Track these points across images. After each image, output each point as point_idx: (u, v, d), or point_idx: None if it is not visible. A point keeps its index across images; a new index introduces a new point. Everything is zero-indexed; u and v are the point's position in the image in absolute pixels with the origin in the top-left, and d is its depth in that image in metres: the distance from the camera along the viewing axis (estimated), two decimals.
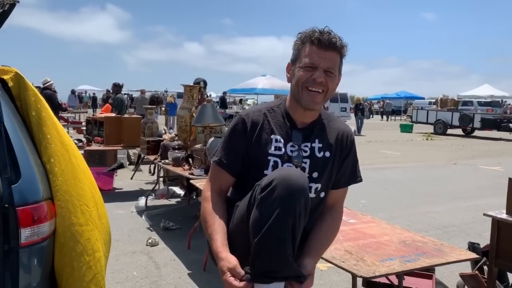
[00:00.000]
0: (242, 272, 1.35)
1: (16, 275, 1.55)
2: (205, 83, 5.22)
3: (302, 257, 1.46)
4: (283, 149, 1.54)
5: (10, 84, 1.79)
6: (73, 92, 25.29)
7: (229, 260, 1.38)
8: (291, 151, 1.55)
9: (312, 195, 1.52)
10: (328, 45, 1.47)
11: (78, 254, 1.70)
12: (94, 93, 30.15)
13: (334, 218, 1.64)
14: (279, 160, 1.53)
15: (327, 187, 1.61)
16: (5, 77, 1.80)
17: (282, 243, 1.30)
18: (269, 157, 1.53)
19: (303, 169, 1.54)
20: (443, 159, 10.24)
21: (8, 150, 1.59)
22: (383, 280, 2.25)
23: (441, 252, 2.00)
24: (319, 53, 1.47)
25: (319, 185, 1.57)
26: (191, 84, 4.94)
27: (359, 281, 2.08)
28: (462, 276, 2.55)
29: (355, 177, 1.68)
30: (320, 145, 1.58)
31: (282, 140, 1.55)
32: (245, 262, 1.40)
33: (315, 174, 1.56)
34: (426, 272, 2.47)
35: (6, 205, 1.53)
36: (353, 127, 15.83)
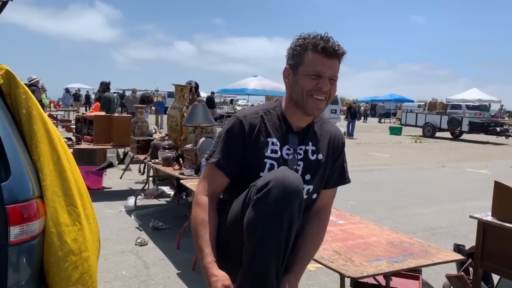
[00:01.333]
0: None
1: (4, 273, 1.55)
2: (196, 85, 5.22)
3: (287, 272, 1.49)
4: (279, 152, 1.56)
5: (0, 81, 1.79)
6: (67, 90, 25.22)
7: (223, 277, 1.40)
8: (287, 154, 1.57)
9: (304, 196, 1.55)
10: (332, 53, 1.49)
11: (64, 254, 1.70)
12: (87, 91, 29.93)
13: (323, 222, 1.68)
14: (275, 163, 1.55)
15: (319, 189, 1.65)
16: None
17: (278, 244, 1.32)
18: (265, 160, 1.55)
19: (296, 171, 1.57)
20: (432, 162, 10.35)
21: None
22: (371, 280, 2.28)
23: (428, 253, 2.03)
24: (324, 61, 1.49)
25: (311, 187, 1.60)
26: (182, 84, 4.93)
27: (347, 282, 2.11)
28: (448, 277, 2.59)
29: (344, 178, 1.73)
30: (314, 148, 1.61)
31: (278, 143, 1.57)
32: (236, 266, 1.41)
33: (307, 176, 1.59)
34: (413, 273, 2.50)
35: None
36: (343, 129, 15.91)
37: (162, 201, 5.38)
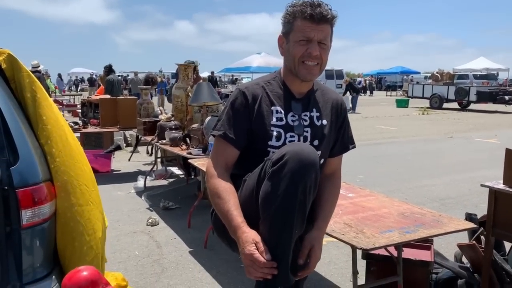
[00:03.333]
0: (264, 247, 1.35)
1: (19, 256, 1.57)
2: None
3: (310, 230, 1.50)
4: (284, 120, 1.57)
5: (3, 66, 1.77)
6: (59, 76, 25.48)
7: (254, 234, 1.38)
8: (292, 120, 1.58)
9: None
10: (320, 19, 1.49)
11: (78, 234, 1.72)
12: (91, 74, 29.99)
13: (335, 184, 1.70)
14: (281, 131, 1.56)
15: (326, 155, 1.67)
16: None
17: (291, 218, 1.32)
18: (272, 128, 1.55)
19: (305, 138, 1.58)
20: (439, 133, 10.28)
21: (5, 133, 1.58)
22: (383, 252, 2.28)
23: (440, 223, 2.03)
24: (312, 26, 1.49)
25: (319, 153, 1.60)
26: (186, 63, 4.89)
27: (359, 254, 2.11)
28: (460, 246, 2.58)
29: (350, 143, 1.75)
30: (318, 114, 1.63)
31: (282, 111, 1.58)
32: None
33: (315, 142, 1.60)
34: (424, 243, 2.50)
35: (6, 187, 1.53)
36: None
37: (172, 181, 5.41)
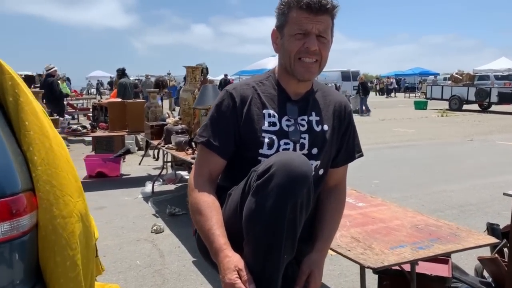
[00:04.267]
0: (248, 276, 1.17)
1: None
2: (206, 68, 5.05)
3: (309, 252, 1.33)
4: (278, 124, 1.38)
5: None
6: (68, 79, 25.99)
7: (237, 259, 1.20)
8: (287, 125, 1.39)
9: None
10: (319, 8, 1.29)
11: (61, 248, 1.59)
12: (98, 80, 30.42)
13: (339, 199, 1.50)
14: (274, 137, 1.36)
15: (327, 164, 1.47)
16: None
17: (279, 241, 1.14)
18: (263, 134, 1.36)
19: (303, 145, 1.39)
20: (459, 136, 9.96)
21: None
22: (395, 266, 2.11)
23: (457, 237, 1.84)
24: (309, 17, 1.30)
25: (318, 162, 1.41)
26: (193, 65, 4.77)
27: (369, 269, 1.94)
28: (481, 259, 2.39)
29: (356, 152, 1.54)
30: (318, 118, 1.43)
31: (276, 115, 1.39)
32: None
33: (314, 150, 1.40)
34: (442, 257, 2.32)
35: None
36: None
37: (179, 186, 5.29)
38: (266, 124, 1.38)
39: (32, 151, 1.61)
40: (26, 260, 1.56)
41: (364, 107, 16.32)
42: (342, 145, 1.51)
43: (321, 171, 1.45)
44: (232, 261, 1.19)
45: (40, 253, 1.60)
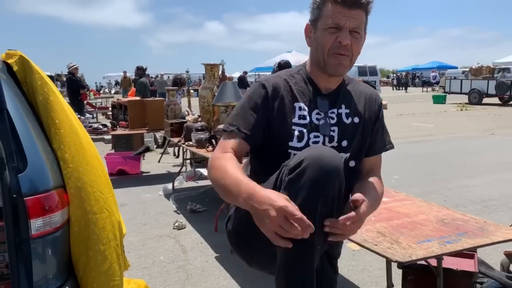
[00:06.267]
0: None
1: (30, 268, 1.49)
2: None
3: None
4: (308, 118, 1.39)
5: (15, 68, 1.71)
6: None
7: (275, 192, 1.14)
8: (317, 119, 1.39)
9: None
10: (353, 3, 1.30)
11: (93, 243, 1.63)
12: (125, 72, 30.85)
13: (376, 181, 1.47)
14: (304, 130, 1.38)
15: (358, 156, 1.46)
16: (9, 61, 1.72)
17: (311, 236, 1.13)
18: (293, 127, 1.37)
19: (332, 138, 1.39)
20: (480, 130, 9.79)
21: (13, 138, 1.51)
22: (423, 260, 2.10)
23: (485, 231, 1.82)
24: (343, 12, 1.30)
25: (348, 155, 1.42)
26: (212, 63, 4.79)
27: (394, 263, 1.94)
28: (507, 254, 2.37)
29: (387, 143, 1.55)
30: (347, 110, 1.44)
31: (306, 108, 1.40)
32: (267, 263, 1.27)
33: (344, 143, 1.41)
34: (467, 252, 2.29)
35: (14, 195, 1.45)
36: None
37: (200, 183, 5.34)
38: (296, 117, 1.39)
39: (63, 149, 1.65)
40: (58, 255, 1.60)
41: None
42: (373, 136, 1.51)
43: (351, 163, 1.45)
44: (277, 192, 1.15)
45: (72, 248, 1.64)
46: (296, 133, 1.37)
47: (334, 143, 1.40)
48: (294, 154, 1.35)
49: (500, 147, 7.51)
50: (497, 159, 6.41)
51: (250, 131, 1.38)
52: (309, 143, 1.38)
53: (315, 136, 1.39)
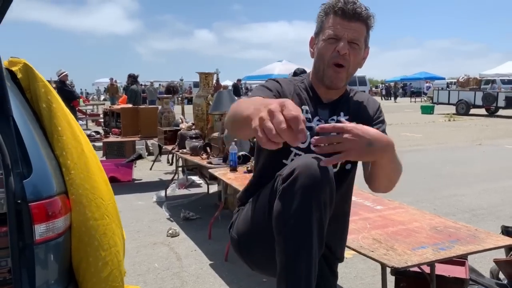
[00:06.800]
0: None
1: (32, 273, 1.50)
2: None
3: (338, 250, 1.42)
4: (311, 122, 1.46)
5: (19, 75, 1.73)
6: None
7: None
8: (317, 125, 1.46)
9: (335, 168, 1.44)
10: (352, 15, 1.36)
11: (93, 249, 1.65)
12: (98, 87, 30.92)
13: None
14: (308, 133, 1.43)
15: (355, 162, 1.52)
16: (13, 68, 1.75)
17: (309, 238, 1.19)
18: None
19: None
20: (467, 140, 9.96)
21: (18, 144, 1.53)
22: (414, 268, 2.15)
23: (476, 238, 1.88)
24: (343, 24, 1.36)
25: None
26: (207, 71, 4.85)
27: (387, 270, 1.98)
28: (497, 262, 2.42)
29: None
30: (346, 117, 1.49)
31: (309, 114, 1.47)
32: (269, 266, 1.31)
33: None
34: (458, 259, 2.35)
35: (19, 201, 1.47)
36: None
37: (193, 190, 5.35)
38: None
39: (65, 155, 1.67)
40: (60, 261, 1.62)
41: None
42: None
43: (348, 166, 1.50)
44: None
45: (73, 254, 1.66)
46: None
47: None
48: (295, 154, 1.43)
49: (487, 157, 7.65)
50: (484, 169, 6.54)
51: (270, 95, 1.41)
52: (311, 146, 1.43)
53: (309, 154, 1.43)
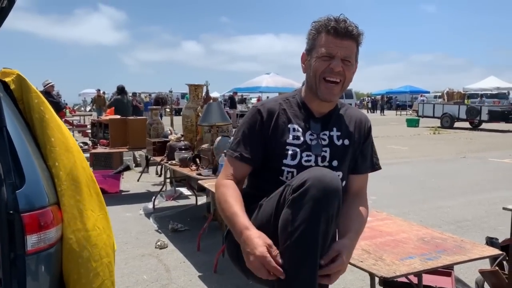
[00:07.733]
0: (276, 251, 1.27)
1: (23, 283, 1.50)
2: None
3: (340, 238, 1.42)
4: (301, 138, 1.50)
5: (12, 86, 1.74)
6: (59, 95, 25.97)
7: (265, 236, 1.30)
8: (310, 139, 1.51)
9: None
10: (344, 34, 1.42)
11: (84, 260, 1.65)
12: (98, 90, 30.69)
13: (363, 204, 1.59)
14: (297, 150, 1.49)
15: (347, 176, 1.59)
16: (7, 79, 1.75)
17: (315, 248, 1.24)
18: (287, 147, 1.49)
19: (324, 157, 1.51)
20: (452, 153, 10.13)
21: (12, 155, 1.53)
22: (402, 278, 2.18)
23: (463, 249, 1.92)
24: (336, 42, 1.42)
25: (340, 173, 1.52)
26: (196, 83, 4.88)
27: (376, 280, 2.01)
28: (482, 272, 2.47)
29: (375, 164, 1.67)
30: (339, 133, 1.55)
31: (300, 129, 1.51)
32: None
33: (335, 163, 1.52)
34: (445, 270, 2.39)
35: (11, 211, 1.47)
36: None
37: (181, 202, 5.34)
38: (291, 137, 1.50)
39: (58, 166, 1.68)
40: (51, 272, 1.62)
41: None
42: (362, 155, 1.61)
43: (343, 183, 1.54)
44: (262, 237, 1.29)
45: (64, 265, 1.65)
46: (290, 152, 1.48)
47: (326, 163, 1.51)
48: (288, 171, 1.47)
49: (471, 170, 7.79)
50: (469, 182, 6.65)
51: (251, 155, 1.51)
52: (302, 161, 1.48)
53: (308, 155, 1.49)
